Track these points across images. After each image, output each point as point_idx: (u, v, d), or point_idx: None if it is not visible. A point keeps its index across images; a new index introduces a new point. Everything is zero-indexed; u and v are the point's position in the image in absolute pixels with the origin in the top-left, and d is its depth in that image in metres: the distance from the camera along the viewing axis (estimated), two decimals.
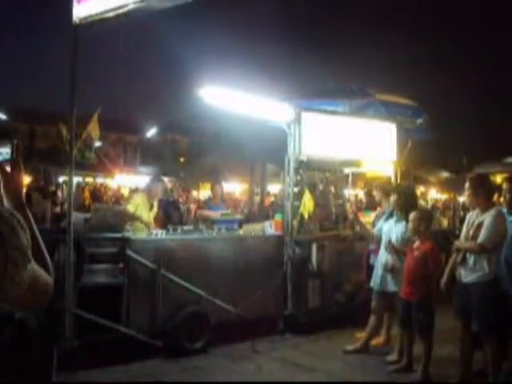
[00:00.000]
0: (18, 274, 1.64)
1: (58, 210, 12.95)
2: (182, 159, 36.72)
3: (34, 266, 1.75)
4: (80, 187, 20.89)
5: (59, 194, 16.88)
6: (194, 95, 7.27)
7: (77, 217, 6.40)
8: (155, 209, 8.26)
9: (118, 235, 6.49)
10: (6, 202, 2.09)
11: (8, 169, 2.15)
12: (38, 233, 2.02)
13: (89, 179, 26.21)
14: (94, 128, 6.34)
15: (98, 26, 5.63)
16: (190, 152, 35.59)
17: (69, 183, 6.01)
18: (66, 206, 11.40)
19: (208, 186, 25.19)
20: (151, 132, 34.06)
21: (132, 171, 27.15)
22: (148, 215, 7.97)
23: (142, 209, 7.85)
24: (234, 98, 7.39)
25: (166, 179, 24.42)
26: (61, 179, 25.29)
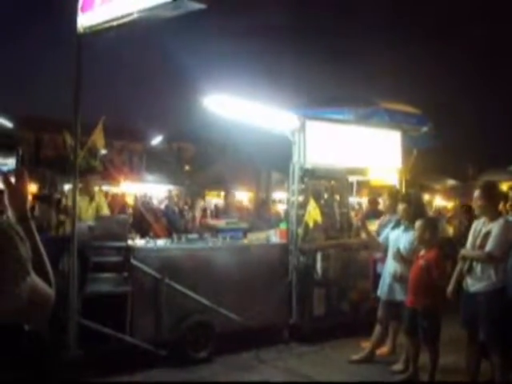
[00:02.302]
0: (17, 286, 1.62)
1: (62, 218, 12.93)
2: (187, 167, 36.72)
3: (34, 278, 1.72)
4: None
5: (64, 202, 16.86)
6: (199, 104, 7.27)
7: (81, 225, 6.39)
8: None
9: (123, 244, 6.47)
10: (10, 214, 2.07)
11: (13, 180, 2.13)
12: (40, 245, 2.00)
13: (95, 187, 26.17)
14: (98, 137, 6.33)
15: (103, 34, 5.63)
16: (195, 160, 35.57)
17: (72, 191, 6.00)
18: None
19: (214, 194, 25.24)
20: (157, 140, 34.08)
21: (138, 179, 27.17)
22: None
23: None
24: (238, 106, 7.38)
25: (171, 187, 24.55)
26: (66, 187, 25.34)
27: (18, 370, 1.89)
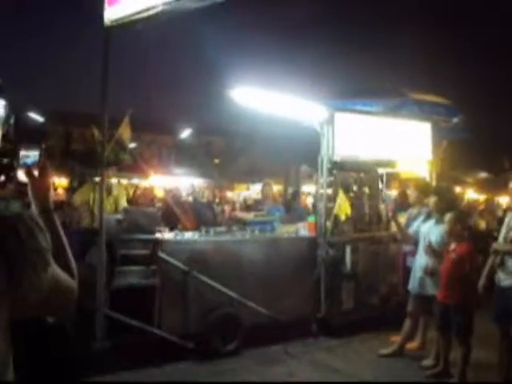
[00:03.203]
0: (38, 278, 1.59)
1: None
2: (216, 160, 36.79)
3: (55, 270, 1.70)
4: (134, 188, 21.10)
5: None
6: (228, 96, 7.23)
7: (109, 218, 6.42)
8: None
9: (150, 237, 6.49)
10: (33, 207, 2.07)
11: (36, 173, 2.13)
12: (63, 237, 1.99)
13: (123, 180, 26.43)
14: (125, 130, 6.33)
15: (130, 27, 5.63)
16: (224, 153, 35.62)
17: (100, 184, 6.02)
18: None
19: (243, 187, 25.24)
20: (186, 133, 34.20)
21: (167, 172, 27.30)
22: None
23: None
24: (266, 97, 7.32)
25: (200, 180, 24.61)
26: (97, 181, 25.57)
27: (38, 363, 1.89)
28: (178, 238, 7.02)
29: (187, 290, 6.53)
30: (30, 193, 2.08)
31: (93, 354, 5.90)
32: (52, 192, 2.14)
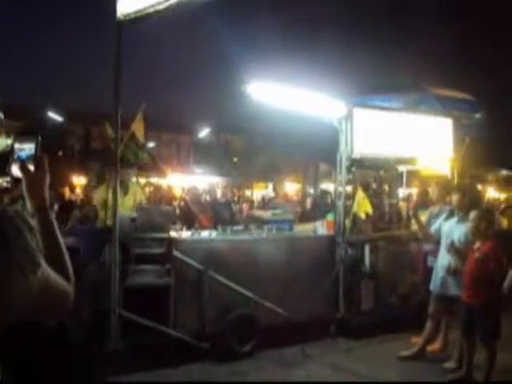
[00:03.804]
0: (26, 280, 1.46)
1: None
2: (235, 159, 36.75)
3: (47, 271, 1.57)
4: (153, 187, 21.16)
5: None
6: (246, 94, 7.10)
7: (123, 216, 6.32)
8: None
9: (165, 235, 6.37)
10: (28, 204, 1.94)
11: (31, 168, 2.00)
12: (59, 237, 1.86)
13: (142, 179, 26.49)
14: (138, 127, 6.23)
15: (142, 21, 5.51)
16: (243, 152, 35.58)
17: (113, 182, 5.93)
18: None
19: (262, 185, 25.17)
20: (204, 132, 34.16)
21: (185, 171, 27.34)
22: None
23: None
24: (282, 93, 7.16)
25: (218, 179, 24.56)
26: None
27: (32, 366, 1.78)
28: (194, 236, 6.91)
29: (203, 289, 6.41)
30: (24, 189, 1.96)
31: (107, 354, 5.81)
32: (47, 189, 2.01)
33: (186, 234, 7.07)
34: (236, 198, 19.20)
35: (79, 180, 24.53)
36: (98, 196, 8.13)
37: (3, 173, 18.48)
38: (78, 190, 20.04)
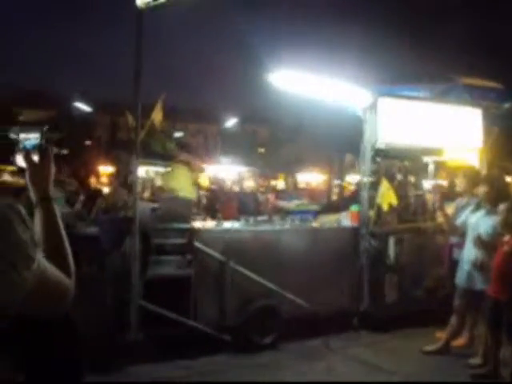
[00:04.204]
0: (19, 276, 1.41)
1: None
2: (261, 149, 36.67)
3: (43, 265, 1.51)
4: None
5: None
6: (268, 81, 7.00)
7: (144, 206, 6.29)
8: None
9: (186, 226, 6.32)
10: (31, 194, 1.89)
11: (35, 158, 1.95)
12: (61, 229, 1.81)
13: (169, 169, 26.59)
14: (157, 114, 6.20)
15: (163, 9, 5.45)
16: (270, 142, 35.51)
17: (133, 170, 5.90)
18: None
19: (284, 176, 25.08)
20: (231, 122, 34.09)
21: (212, 161, 27.31)
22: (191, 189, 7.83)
23: (185, 182, 7.71)
24: (306, 81, 7.04)
25: (244, 169, 24.52)
26: (143, 169, 25.83)
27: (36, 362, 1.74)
28: (215, 227, 6.86)
29: (224, 280, 6.36)
30: (27, 179, 1.91)
31: (127, 344, 5.80)
32: (52, 179, 1.96)
33: (210, 224, 7.03)
34: (262, 189, 19.12)
35: (106, 169, 24.72)
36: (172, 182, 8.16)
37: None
38: (105, 179, 20.18)
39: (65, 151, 33.24)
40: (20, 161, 2.05)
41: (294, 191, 9.44)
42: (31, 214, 1.79)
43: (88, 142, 34.64)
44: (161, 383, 5.47)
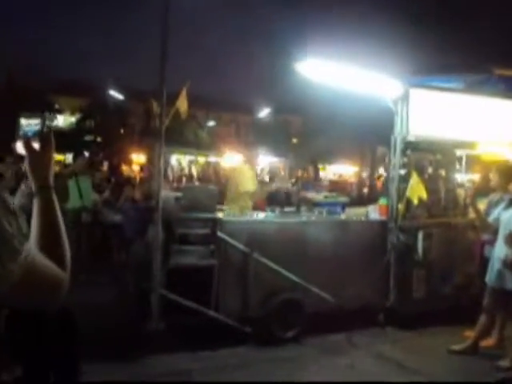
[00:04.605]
0: (4, 268, 1.34)
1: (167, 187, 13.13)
2: (294, 140, 36.52)
3: (31, 257, 1.44)
4: (208, 166, 21.36)
5: (169, 172, 17.27)
6: (296, 70, 6.86)
7: (168, 195, 6.23)
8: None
9: (210, 216, 6.24)
10: (30, 183, 1.82)
11: (36, 145, 1.88)
12: (59, 218, 1.73)
13: (201, 158, 26.71)
14: (182, 103, 6.12)
15: None
16: (302, 133, 35.33)
17: (158, 159, 5.83)
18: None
19: (320, 167, 24.94)
20: (264, 112, 33.97)
21: (244, 151, 27.23)
22: (253, 184, 7.79)
23: (248, 180, 7.68)
24: (336, 71, 6.87)
25: (276, 160, 24.43)
26: (173, 158, 25.96)
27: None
28: (239, 218, 6.76)
29: (247, 272, 6.27)
30: (27, 167, 1.83)
31: (149, 334, 5.77)
32: (52, 168, 1.88)
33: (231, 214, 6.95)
34: (294, 180, 19.01)
35: (139, 158, 24.92)
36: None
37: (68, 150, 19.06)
38: (136, 167, 20.36)
39: (99, 139, 33.64)
40: (20, 148, 1.98)
41: (314, 182, 9.27)
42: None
43: (122, 130, 34.94)
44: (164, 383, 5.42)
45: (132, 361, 5.46)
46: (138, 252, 6.39)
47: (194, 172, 21.00)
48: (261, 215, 7.17)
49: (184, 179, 18.40)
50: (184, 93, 6.30)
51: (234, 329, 6.16)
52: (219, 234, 6.15)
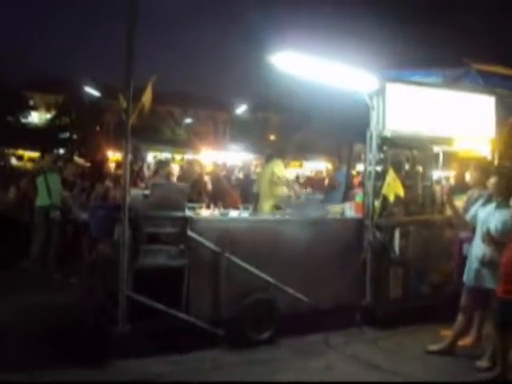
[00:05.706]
0: None
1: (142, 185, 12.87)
2: (272, 137, 36.42)
3: None
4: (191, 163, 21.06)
5: (145, 170, 16.99)
6: (270, 63, 6.66)
7: (136, 193, 6.00)
8: None
9: (179, 214, 6.00)
10: None
11: None
12: None
13: (177, 155, 26.45)
14: (147, 98, 5.90)
15: None
16: (280, 130, 35.25)
17: (124, 155, 5.59)
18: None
19: (296, 163, 24.83)
20: (241, 109, 33.84)
21: (221, 147, 27.14)
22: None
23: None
24: (308, 63, 6.67)
25: (252, 156, 24.28)
26: (150, 155, 25.66)
27: None
28: (210, 216, 6.55)
29: (219, 272, 6.06)
30: None
31: (115, 338, 5.53)
32: None
33: (214, 212, 6.75)
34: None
35: (115, 155, 24.57)
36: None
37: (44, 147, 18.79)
38: (112, 165, 20.00)
39: (75, 136, 33.18)
40: None
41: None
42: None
43: (98, 128, 34.54)
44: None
45: (98, 366, 5.24)
46: (104, 252, 6.14)
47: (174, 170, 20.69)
48: (233, 213, 6.96)
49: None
50: (149, 87, 6.08)
51: (205, 331, 5.94)
52: (189, 232, 5.93)
